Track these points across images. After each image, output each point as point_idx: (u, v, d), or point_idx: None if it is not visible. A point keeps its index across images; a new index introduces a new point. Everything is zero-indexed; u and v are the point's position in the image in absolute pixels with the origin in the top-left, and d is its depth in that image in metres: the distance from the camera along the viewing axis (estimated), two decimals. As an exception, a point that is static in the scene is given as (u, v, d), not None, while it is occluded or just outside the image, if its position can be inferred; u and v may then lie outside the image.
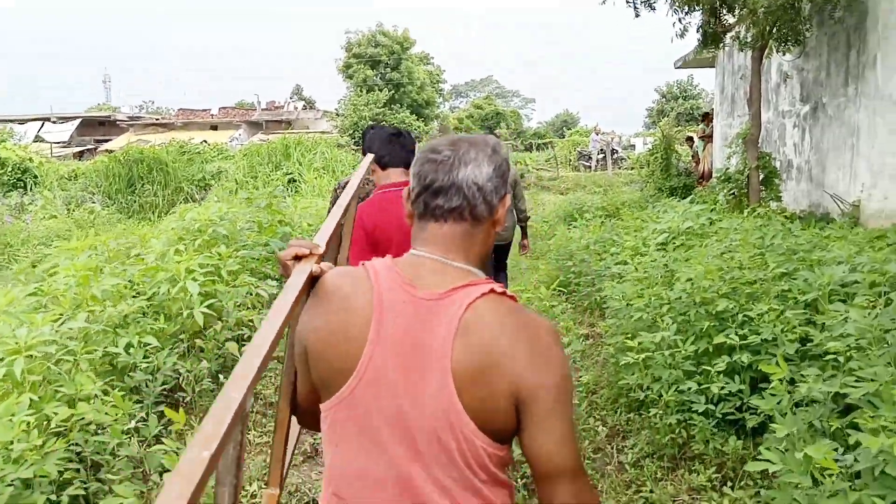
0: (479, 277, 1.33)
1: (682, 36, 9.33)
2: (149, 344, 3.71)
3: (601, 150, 26.10)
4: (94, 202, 15.42)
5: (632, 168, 24.02)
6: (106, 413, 2.69)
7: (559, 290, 7.61)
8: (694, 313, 3.69)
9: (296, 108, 42.46)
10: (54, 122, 39.22)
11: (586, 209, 11.05)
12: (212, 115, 41.09)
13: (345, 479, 1.32)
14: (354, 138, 35.85)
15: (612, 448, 3.82)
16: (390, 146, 3.15)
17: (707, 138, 13.77)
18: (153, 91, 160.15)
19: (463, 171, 1.34)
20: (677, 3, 9.14)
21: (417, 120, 40.14)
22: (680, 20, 9.60)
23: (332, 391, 1.30)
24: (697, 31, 9.54)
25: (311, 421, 1.43)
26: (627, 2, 9.73)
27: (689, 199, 10.22)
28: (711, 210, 7.46)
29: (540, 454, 1.24)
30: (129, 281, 4.30)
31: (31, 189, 16.52)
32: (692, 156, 14.99)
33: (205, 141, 27.82)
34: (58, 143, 36.03)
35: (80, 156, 30.23)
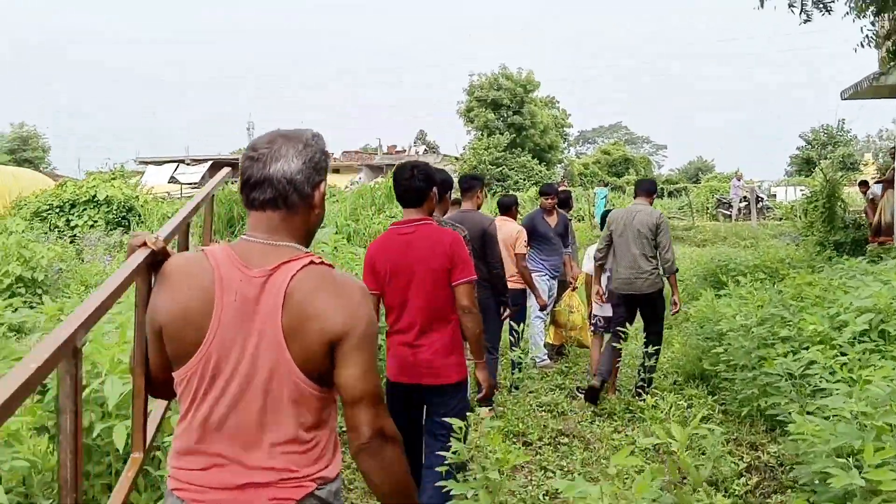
0: (301, 252, 1.60)
1: (874, 44, 7.20)
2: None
3: (744, 197, 23.30)
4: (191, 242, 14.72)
5: (780, 218, 21.13)
6: None
7: (696, 381, 5.61)
8: None
9: (417, 152, 42.03)
10: (188, 164, 40.72)
11: (734, 267, 8.87)
12: (335, 158, 41.34)
13: (197, 428, 1.56)
14: (473, 182, 34.75)
15: None
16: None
17: (888, 183, 11.16)
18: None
19: (274, 166, 1.58)
20: (861, 2, 7.05)
21: (540, 164, 38.46)
22: (863, 29, 7.48)
23: (186, 359, 1.56)
24: (889, 39, 7.37)
25: (163, 391, 1.73)
26: (792, 5, 7.72)
27: (861, 257, 7.90)
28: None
29: (347, 383, 1.54)
30: None
31: (133, 228, 16.17)
32: (867, 203, 12.35)
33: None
34: (189, 184, 37.23)
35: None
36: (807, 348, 4.28)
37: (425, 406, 3.33)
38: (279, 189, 1.57)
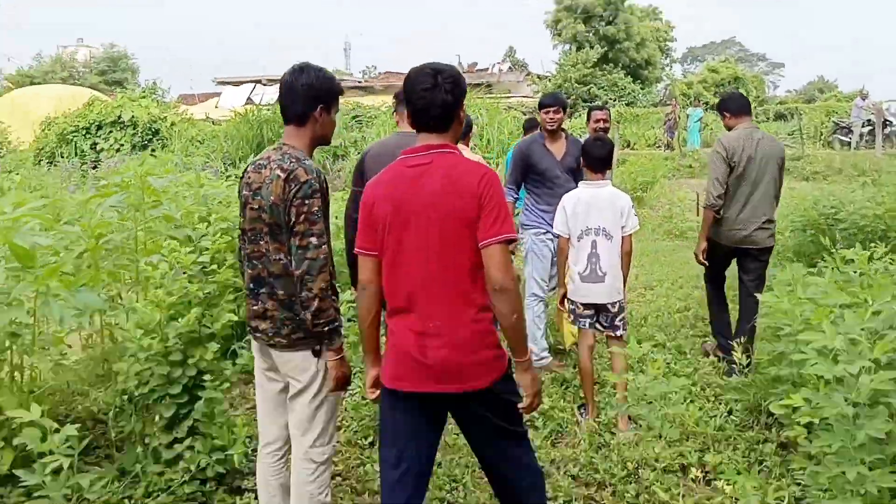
0: None
1: None
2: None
3: (868, 120, 19.61)
4: (210, 167, 13.35)
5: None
6: None
7: (762, 419, 3.46)
8: None
9: (500, 69, 39.09)
10: (265, 85, 39.73)
11: (844, 218, 6.38)
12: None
13: None
14: (559, 102, 31.81)
15: None
16: None
17: None
18: (389, 57, 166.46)
19: None
20: None
21: (634, 82, 34.80)
22: None
23: None
24: None
25: None
26: None
27: None
28: None
29: None
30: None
31: (157, 152, 14.92)
32: None
33: (393, 103, 25.48)
34: (265, 105, 36.21)
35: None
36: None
37: (460, 421, 2.33)
38: None
